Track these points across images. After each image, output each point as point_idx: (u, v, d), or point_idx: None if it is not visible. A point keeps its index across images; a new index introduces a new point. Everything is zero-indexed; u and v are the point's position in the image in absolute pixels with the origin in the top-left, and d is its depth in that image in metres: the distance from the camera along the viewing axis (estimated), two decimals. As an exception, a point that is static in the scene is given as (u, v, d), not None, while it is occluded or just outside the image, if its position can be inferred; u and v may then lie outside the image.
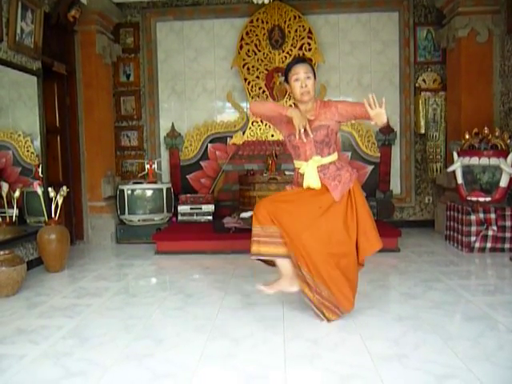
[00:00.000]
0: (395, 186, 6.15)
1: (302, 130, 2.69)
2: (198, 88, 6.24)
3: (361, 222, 2.83)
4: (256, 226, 2.80)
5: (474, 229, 4.63)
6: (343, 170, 2.87)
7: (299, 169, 2.92)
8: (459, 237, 4.79)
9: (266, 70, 6.05)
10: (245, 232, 4.04)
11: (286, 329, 2.74)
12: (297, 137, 2.73)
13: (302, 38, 5.98)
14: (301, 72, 2.80)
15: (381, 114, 2.58)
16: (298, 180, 2.96)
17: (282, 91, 5.98)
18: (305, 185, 2.85)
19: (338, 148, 3.02)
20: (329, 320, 2.79)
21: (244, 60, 6.01)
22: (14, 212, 4.31)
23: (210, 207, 5.81)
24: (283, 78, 2.98)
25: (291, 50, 6.01)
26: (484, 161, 4.67)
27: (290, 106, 3.06)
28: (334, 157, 2.90)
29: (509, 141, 4.68)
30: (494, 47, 5.33)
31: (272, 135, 6.09)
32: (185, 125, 6.28)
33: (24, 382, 2.20)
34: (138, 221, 5.65)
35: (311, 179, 2.83)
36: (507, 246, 4.58)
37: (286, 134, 2.93)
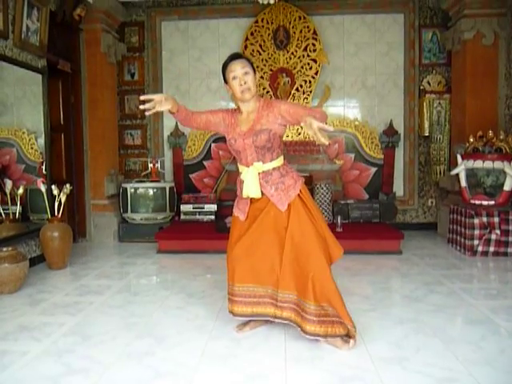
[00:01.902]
0: (398, 188, 6.14)
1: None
2: (203, 88, 6.25)
3: (318, 228, 2.59)
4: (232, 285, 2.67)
5: (477, 232, 4.62)
6: (287, 176, 2.63)
7: (241, 174, 2.70)
8: (462, 240, 4.78)
9: (271, 70, 6.06)
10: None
11: (287, 329, 2.74)
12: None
13: (307, 39, 5.98)
14: (237, 68, 2.55)
15: (316, 131, 2.15)
16: (241, 186, 2.70)
17: (287, 92, 5.98)
18: (244, 194, 2.62)
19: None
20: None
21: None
22: (18, 209, 4.33)
23: (213, 207, 5.81)
24: (223, 81, 2.69)
25: (296, 50, 6.01)
26: (488, 164, 4.66)
27: (235, 108, 2.75)
28: (277, 162, 2.64)
29: (513, 144, 4.68)
30: (500, 50, 5.32)
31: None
32: (188, 124, 6.28)
33: (26, 378, 2.20)
34: (141, 219, 5.66)
35: (251, 188, 2.59)
36: (510, 250, 4.57)
37: (227, 137, 2.70)
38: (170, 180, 6.18)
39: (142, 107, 2.44)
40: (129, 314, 3.10)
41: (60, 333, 2.77)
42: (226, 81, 2.65)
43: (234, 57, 2.62)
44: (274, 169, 2.63)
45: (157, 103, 2.43)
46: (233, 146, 2.66)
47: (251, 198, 2.65)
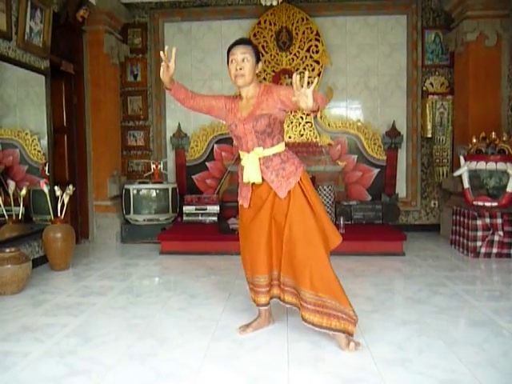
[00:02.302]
0: (401, 189, 6.13)
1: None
2: (205, 89, 6.25)
3: (317, 216, 2.59)
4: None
5: (479, 234, 4.61)
6: (288, 162, 2.61)
7: (242, 160, 2.69)
8: (465, 242, 4.77)
9: (273, 71, 6.06)
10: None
11: (290, 331, 2.74)
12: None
13: (310, 40, 5.98)
14: (237, 53, 2.55)
15: (306, 94, 2.20)
16: (242, 172, 2.70)
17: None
18: (245, 179, 2.63)
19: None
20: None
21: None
22: (21, 210, 4.33)
23: (216, 208, 5.81)
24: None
25: (298, 51, 6.02)
26: (491, 165, 4.65)
27: (237, 95, 2.74)
28: (278, 148, 2.62)
29: (516, 146, 4.66)
30: (503, 51, 5.31)
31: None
32: (191, 125, 6.30)
33: (28, 379, 2.20)
34: (144, 220, 5.67)
35: (251, 173, 2.58)
36: (513, 251, 4.56)
37: (228, 122, 2.68)
38: (172, 181, 6.19)
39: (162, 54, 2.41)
40: (131, 315, 3.11)
41: (62, 334, 2.77)
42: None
43: (239, 42, 2.63)
44: (274, 155, 2.61)
45: (164, 66, 2.42)
46: (233, 132, 2.66)
47: (252, 185, 2.66)
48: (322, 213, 2.63)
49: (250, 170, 2.59)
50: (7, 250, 3.62)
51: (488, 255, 4.61)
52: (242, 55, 2.55)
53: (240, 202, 2.77)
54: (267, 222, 2.62)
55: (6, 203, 4.29)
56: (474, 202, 4.80)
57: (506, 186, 4.63)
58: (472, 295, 3.43)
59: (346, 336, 2.48)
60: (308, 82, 2.22)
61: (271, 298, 2.74)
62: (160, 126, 6.33)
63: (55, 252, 4.25)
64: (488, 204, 4.71)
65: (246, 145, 2.63)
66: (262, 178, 2.61)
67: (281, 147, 2.65)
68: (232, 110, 2.66)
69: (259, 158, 2.60)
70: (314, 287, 2.46)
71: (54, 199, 4.38)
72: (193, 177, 6.25)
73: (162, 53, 2.37)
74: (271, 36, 6.03)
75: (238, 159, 2.78)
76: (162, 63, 2.40)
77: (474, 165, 4.77)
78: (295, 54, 6.03)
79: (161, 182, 5.83)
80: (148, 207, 5.67)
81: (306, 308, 2.49)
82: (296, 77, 2.19)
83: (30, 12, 4.20)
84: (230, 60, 2.60)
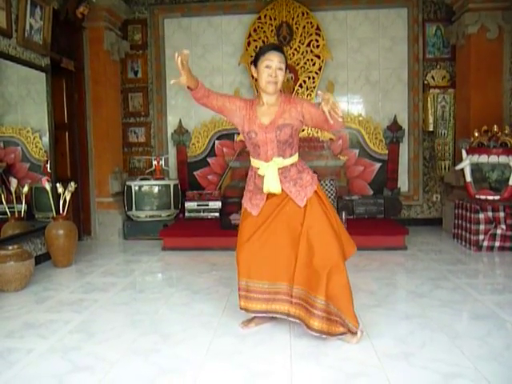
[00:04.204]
0: (403, 183, 6.12)
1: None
2: (206, 85, 6.09)
3: (333, 225, 2.59)
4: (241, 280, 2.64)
5: (482, 227, 4.60)
6: (304, 172, 2.64)
7: (258, 169, 2.63)
8: (467, 235, 4.76)
9: (274, 66, 6.03)
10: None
11: (293, 326, 2.74)
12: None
13: (310, 35, 5.95)
14: (275, 60, 2.52)
15: (338, 118, 2.28)
16: (254, 181, 2.68)
17: (290, 88, 5.96)
18: (265, 189, 2.59)
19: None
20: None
21: (252, 57, 5.95)
22: (23, 207, 4.34)
23: (217, 204, 5.81)
24: (251, 62, 2.66)
25: (299, 46, 5.99)
26: (493, 159, 4.63)
27: (253, 99, 2.71)
28: (295, 158, 2.63)
29: (518, 139, 4.65)
30: (505, 44, 5.29)
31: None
32: (192, 121, 6.29)
33: (32, 375, 2.21)
34: (146, 217, 5.67)
35: (272, 183, 2.56)
36: (516, 244, 4.55)
37: (244, 129, 2.62)
38: (174, 177, 6.18)
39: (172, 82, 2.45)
40: (134, 311, 3.11)
41: (66, 330, 2.78)
42: (255, 64, 2.60)
43: (277, 48, 2.59)
44: (291, 165, 2.62)
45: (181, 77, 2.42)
46: (252, 140, 2.60)
47: (268, 194, 2.63)
48: (338, 221, 2.64)
49: (271, 180, 2.57)
50: (10, 247, 3.63)
51: (490, 249, 4.60)
52: (279, 64, 2.54)
53: (248, 210, 2.70)
54: (284, 229, 2.58)
55: (9, 201, 4.30)
56: (477, 196, 4.79)
57: (508, 179, 4.62)
58: (475, 289, 3.43)
59: (351, 334, 2.49)
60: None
61: (274, 313, 2.62)
62: (161, 122, 6.33)
63: (58, 249, 4.26)
64: (490, 197, 4.70)
65: (265, 154, 2.59)
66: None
67: (296, 157, 2.66)
68: (250, 117, 2.59)
69: (278, 168, 2.58)
70: (328, 295, 2.43)
71: (56, 196, 4.38)
72: (194, 173, 6.25)
73: (178, 60, 2.34)
74: (271, 31, 6.00)
75: (251, 167, 2.73)
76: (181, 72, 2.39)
77: (475, 158, 4.75)
78: (296, 49, 6.00)
79: (162, 179, 5.83)
80: (150, 204, 5.67)
81: (319, 316, 2.44)
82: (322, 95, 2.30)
83: (29, 9, 4.19)
84: (262, 63, 2.55)
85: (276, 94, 2.60)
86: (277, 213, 2.60)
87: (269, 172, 2.56)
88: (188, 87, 2.52)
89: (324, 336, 2.47)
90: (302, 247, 2.52)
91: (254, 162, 2.67)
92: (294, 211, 2.58)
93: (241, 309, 2.66)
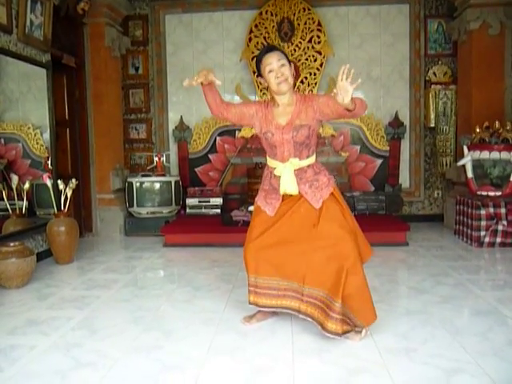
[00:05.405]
0: (404, 179, 6.12)
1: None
2: (207, 81, 6.20)
3: (351, 227, 2.59)
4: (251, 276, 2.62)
5: (483, 223, 4.60)
6: (321, 174, 2.63)
7: (274, 169, 2.63)
8: (469, 231, 4.76)
9: (275, 62, 6.02)
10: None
11: (294, 322, 2.74)
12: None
13: (312, 31, 5.93)
14: (273, 61, 2.50)
15: (346, 88, 2.20)
16: (270, 181, 2.67)
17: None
18: (281, 190, 2.58)
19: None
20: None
21: (253, 53, 5.97)
22: (24, 204, 4.35)
23: (219, 200, 5.81)
24: (256, 74, 2.62)
25: (300, 42, 5.98)
26: (495, 155, 4.64)
27: (268, 101, 2.69)
28: (312, 159, 2.63)
29: (520, 135, 4.64)
30: (507, 40, 5.27)
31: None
32: (193, 118, 6.28)
33: (34, 372, 2.22)
34: (147, 213, 5.68)
35: (288, 184, 2.56)
36: (517, 240, 4.55)
37: (261, 130, 2.61)
38: (175, 174, 6.19)
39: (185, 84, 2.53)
40: (136, 307, 3.12)
41: (68, 327, 2.78)
42: (259, 74, 2.60)
43: (269, 49, 2.57)
44: (308, 166, 2.61)
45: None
46: (269, 140, 2.59)
47: (284, 194, 2.62)
48: (355, 224, 2.63)
49: (287, 181, 2.56)
50: (11, 244, 3.63)
51: (492, 245, 4.60)
52: (279, 62, 2.52)
53: (262, 208, 2.67)
54: (297, 231, 2.56)
55: (10, 197, 4.30)
56: (478, 192, 4.79)
57: (509, 176, 4.62)
58: (476, 285, 3.43)
59: (355, 332, 2.49)
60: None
61: (284, 309, 2.60)
62: (162, 118, 6.32)
63: (59, 246, 4.26)
64: (492, 193, 4.70)
65: (281, 154, 2.58)
66: None
67: (313, 158, 2.65)
68: (266, 117, 2.58)
69: (294, 170, 2.57)
70: (343, 296, 2.40)
71: (57, 193, 4.38)
72: (195, 169, 6.25)
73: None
74: (273, 27, 5.98)
75: (267, 167, 2.73)
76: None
77: (477, 154, 4.75)
78: (297, 45, 5.99)
79: (163, 175, 5.83)
80: (151, 200, 5.68)
81: (335, 319, 2.39)
82: (344, 67, 2.20)
83: (30, 5, 4.18)
84: (264, 71, 2.54)
85: (290, 91, 2.57)
86: (291, 213, 2.59)
87: (285, 173, 2.56)
88: (201, 83, 2.54)
89: (338, 337, 2.42)
90: (317, 248, 2.49)
91: (271, 162, 2.67)
92: (308, 212, 2.56)
93: (250, 303, 2.66)
